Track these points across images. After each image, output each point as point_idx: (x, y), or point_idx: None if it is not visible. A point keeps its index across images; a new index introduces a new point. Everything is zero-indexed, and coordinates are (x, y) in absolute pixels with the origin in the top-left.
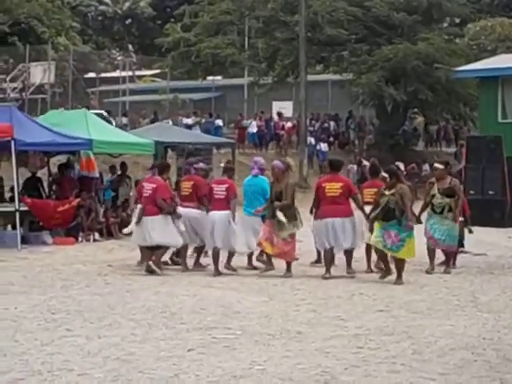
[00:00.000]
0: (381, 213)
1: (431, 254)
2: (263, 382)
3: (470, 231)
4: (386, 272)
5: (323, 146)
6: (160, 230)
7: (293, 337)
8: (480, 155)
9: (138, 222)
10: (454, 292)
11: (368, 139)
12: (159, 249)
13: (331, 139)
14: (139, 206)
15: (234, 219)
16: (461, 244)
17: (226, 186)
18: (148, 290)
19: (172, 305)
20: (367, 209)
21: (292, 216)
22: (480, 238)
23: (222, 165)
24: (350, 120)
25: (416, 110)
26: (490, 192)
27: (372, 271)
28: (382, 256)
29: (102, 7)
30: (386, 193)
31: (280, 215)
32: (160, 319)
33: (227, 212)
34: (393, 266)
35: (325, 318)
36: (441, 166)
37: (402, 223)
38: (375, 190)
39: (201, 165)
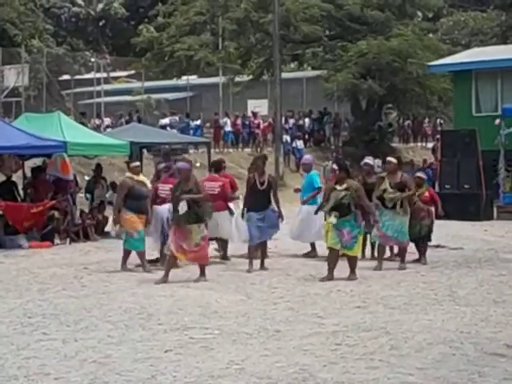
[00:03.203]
0: (335, 208)
1: (381, 250)
2: (241, 381)
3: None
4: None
5: (299, 144)
6: (228, 224)
7: (271, 335)
8: (455, 149)
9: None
10: (431, 286)
11: (343, 136)
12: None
13: (306, 136)
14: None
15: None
16: (429, 238)
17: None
18: (124, 291)
19: (149, 306)
20: None
21: (201, 216)
22: (456, 232)
23: (198, 164)
24: (325, 117)
25: (390, 105)
26: (466, 186)
27: None
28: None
29: (75, 9)
30: (338, 187)
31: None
32: (137, 320)
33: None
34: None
35: (302, 315)
36: (393, 160)
37: (356, 218)
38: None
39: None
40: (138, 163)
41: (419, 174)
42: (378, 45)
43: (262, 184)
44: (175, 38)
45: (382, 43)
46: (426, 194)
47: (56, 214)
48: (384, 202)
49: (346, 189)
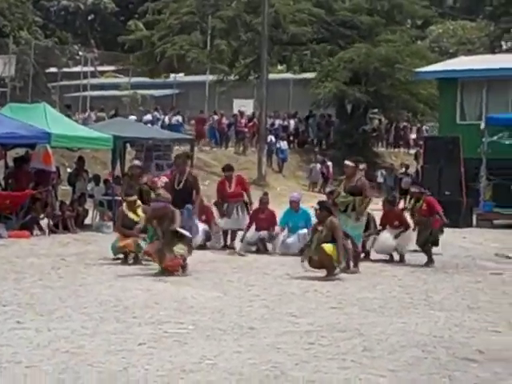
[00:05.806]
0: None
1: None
2: (213, 376)
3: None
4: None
5: (283, 144)
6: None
7: (245, 332)
8: (438, 155)
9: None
10: (408, 290)
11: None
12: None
13: (291, 138)
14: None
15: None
16: (436, 243)
17: None
18: (101, 284)
19: (125, 299)
20: None
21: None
22: None
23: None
24: (310, 119)
25: (376, 110)
26: (447, 192)
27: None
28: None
29: (64, 2)
30: (319, 228)
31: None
32: (112, 313)
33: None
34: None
35: (278, 313)
36: (351, 164)
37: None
38: None
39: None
40: None
41: (414, 189)
42: (366, 52)
43: (178, 184)
44: (167, 39)
45: (370, 49)
46: (424, 207)
47: (36, 204)
48: (338, 206)
49: (321, 231)
